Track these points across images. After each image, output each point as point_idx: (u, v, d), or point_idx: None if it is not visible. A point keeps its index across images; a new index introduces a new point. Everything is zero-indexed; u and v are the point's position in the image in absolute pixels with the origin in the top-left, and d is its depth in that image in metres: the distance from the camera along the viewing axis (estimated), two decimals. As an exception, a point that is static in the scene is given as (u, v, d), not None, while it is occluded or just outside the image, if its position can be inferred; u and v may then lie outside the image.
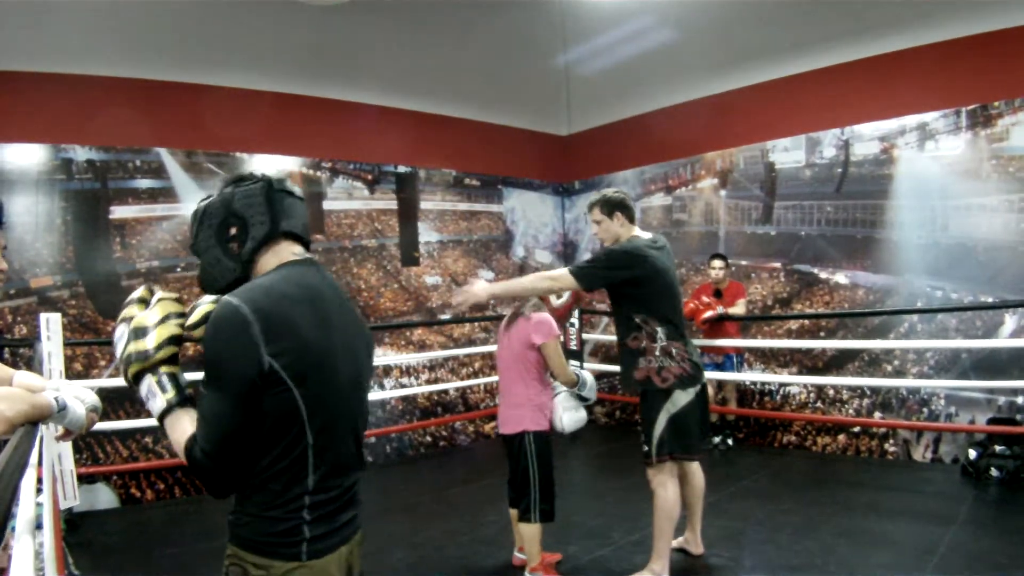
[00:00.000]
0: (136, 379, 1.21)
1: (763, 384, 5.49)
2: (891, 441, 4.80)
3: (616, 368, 3.08)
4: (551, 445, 2.94)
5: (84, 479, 4.00)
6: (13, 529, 1.45)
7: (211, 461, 1.14)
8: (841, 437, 5.04)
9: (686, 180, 6.16)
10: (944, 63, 4.58)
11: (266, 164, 5.17)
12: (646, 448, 2.87)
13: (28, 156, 4.25)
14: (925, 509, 3.72)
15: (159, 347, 1.20)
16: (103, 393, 1.48)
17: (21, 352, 3.98)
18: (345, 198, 5.64)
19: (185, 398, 1.20)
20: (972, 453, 4.14)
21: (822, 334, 5.23)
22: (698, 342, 4.61)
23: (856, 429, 4.97)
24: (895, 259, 4.86)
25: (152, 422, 1.23)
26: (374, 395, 5.40)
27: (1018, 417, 4.24)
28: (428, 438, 5.87)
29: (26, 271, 4.22)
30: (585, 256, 6.48)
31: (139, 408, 4.39)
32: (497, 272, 6.59)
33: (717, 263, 5.20)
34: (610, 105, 6.70)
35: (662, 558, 2.87)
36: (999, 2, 4.29)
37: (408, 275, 5.99)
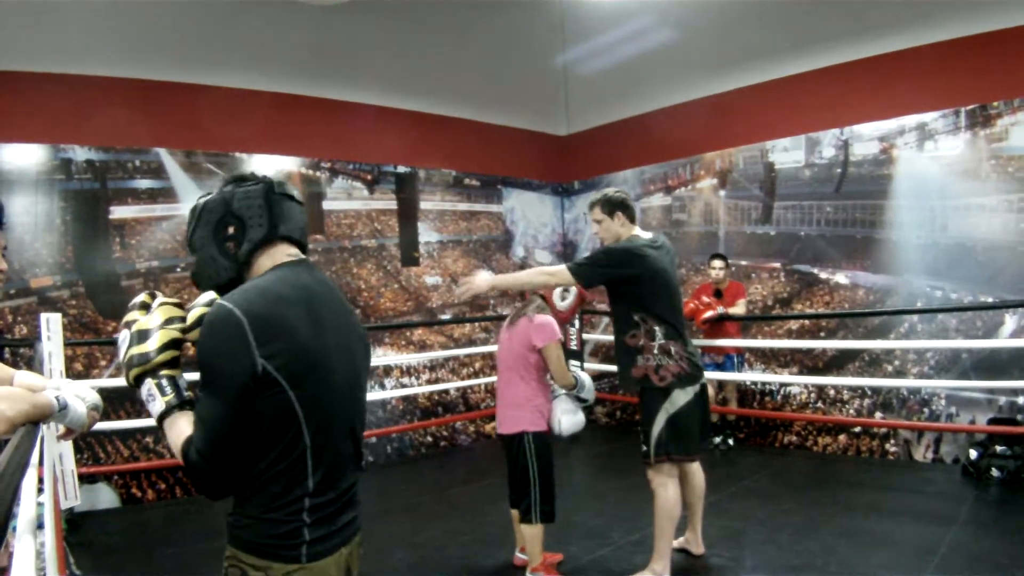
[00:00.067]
0: (137, 382, 1.22)
1: (763, 384, 5.49)
2: (892, 441, 4.80)
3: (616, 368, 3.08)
4: (551, 446, 2.94)
5: (85, 479, 4.00)
6: (14, 529, 1.45)
7: (206, 463, 1.14)
8: (842, 437, 5.04)
9: (686, 180, 6.16)
10: (943, 63, 4.58)
11: (265, 164, 5.17)
12: (644, 448, 2.87)
13: (28, 156, 4.25)
14: (926, 509, 3.72)
15: (159, 350, 1.21)
16: (104, 393, 1.48)
17: (21, 352, 3.98)
18: (345, 198, 5.64)
19: (184, 401, 1.21)
20: (973, 453, 4.14)
21: (822, 334, 5.23)
22: (698, 342, 4.62)
23: (857, 429, 4.97)
24: (895, 259, 4.87)
25: (153, 422, 1.24)
26: (374, 395, 5.40)
27: (1019, 417, 4.24)
28: (429, 438, 5.87)
29: (26, 271, 4.21)
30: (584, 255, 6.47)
31: (140, 408, 4.39)
32: (497, 272, 6.58)
33: (717, 263, 5.20)
34: (609, 105, 6.70)
35: (663, 558, 2.87)
36: (999, 2, 4.29)
37: (408, 275, 5.99)
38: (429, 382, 5.85)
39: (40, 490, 2.15)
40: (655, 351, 2.82)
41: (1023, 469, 3.90)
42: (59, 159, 4.34)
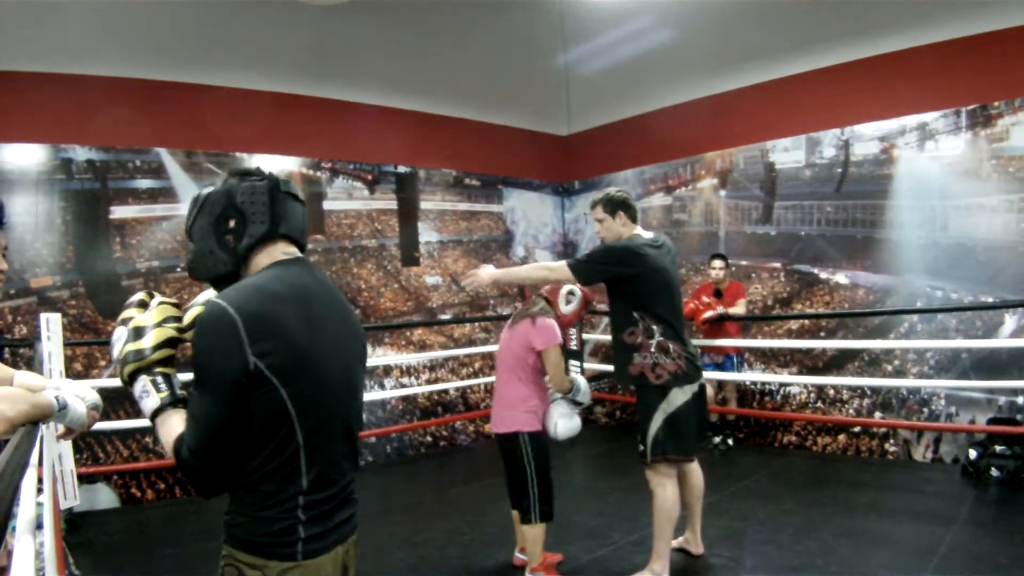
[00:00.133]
0: (131, 379, 1.23)
1: (763, 384, 5.49)
2: (891, 441, 4.80)
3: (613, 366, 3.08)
4: (547, 446, 2.94)
5: (84, 479, 4.00)
6: (14, 529, 1.45)
7: (198, 460, 1.14)
8: (841, 437, 5.04)
9: (686, 180, 6.16)
10: (944, 63, 4.58)
11: (266, 164, 5.16)
12: (641, 448, 2.87)
13: (28, 156, 4.25)
14: (926, 509, 3.72)
15: (155, 348, 1.22)
16: (103, 393, 1.49)
17: (21, 352, 3.97)
18: (345, 198, 5.64)
19: (177, 399, 1.21)
20: (972, 453, 4.14)
21: (822, 334, 5.23)
22: (698, 342, 4.62)
23: (856, 429, 4.97)
24: (895, 259, 4.86)
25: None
26: (374, 395, 5.41)
27: (1018, 417, 4.24)
28: (428, 438, 5.87)
29: (26, 271, 4.21)
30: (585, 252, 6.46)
31: (139, 408, 4.38)
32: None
33: (717, 263, 5.20)
34: (610, 105, 6.70)
35: (662, 558, 2.87)
36: (999, 2, 4.29)
37: (408, 275, 5.99)
38: (429, 382, 5.86)
39: (39, 490, 2.15)
40: (652, 349, 2.82)
41: (1023, 469, 3.90)
42: (59, 159, 4.34)
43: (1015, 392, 4.25)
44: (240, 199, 1.28)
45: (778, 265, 5.53)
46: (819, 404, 5.20)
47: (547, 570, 2.95)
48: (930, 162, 4.67)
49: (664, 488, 2.85)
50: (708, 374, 4.54)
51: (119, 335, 1.26)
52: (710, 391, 4.79)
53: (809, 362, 5.28)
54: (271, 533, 1.18)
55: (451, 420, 5.96)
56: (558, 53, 6.86)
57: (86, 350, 4.34)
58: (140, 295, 1.33)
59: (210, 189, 1.31)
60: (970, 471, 4.10)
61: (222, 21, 4.87)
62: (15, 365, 3.12)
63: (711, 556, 3.16)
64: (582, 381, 3.03)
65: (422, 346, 5.94)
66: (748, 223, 5.72)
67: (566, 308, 3.00)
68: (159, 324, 1.24)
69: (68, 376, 3.52)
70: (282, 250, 1.30)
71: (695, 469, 3.13)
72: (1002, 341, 4.34)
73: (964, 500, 3.79)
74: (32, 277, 4.24)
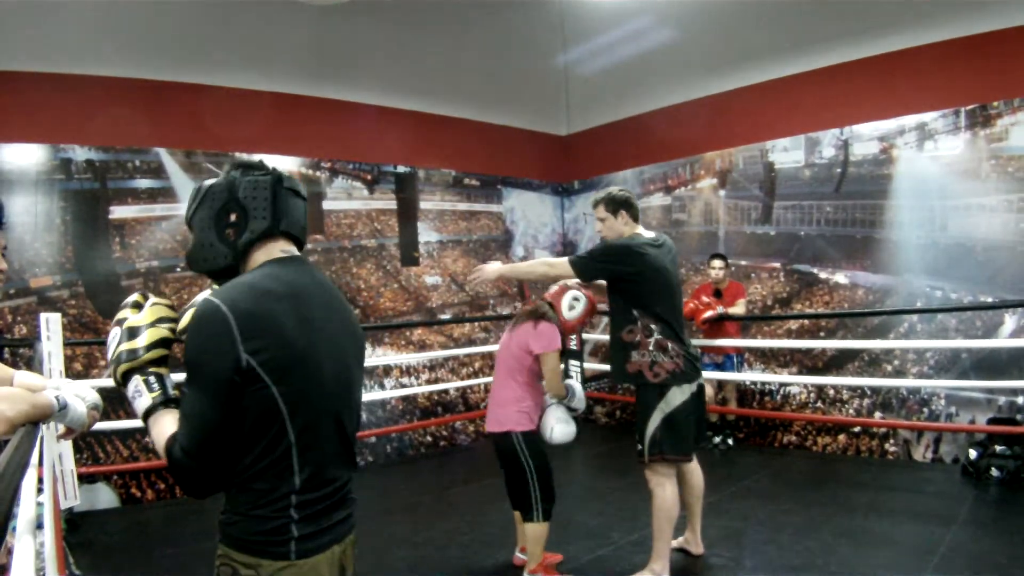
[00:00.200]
0: (124, 379, 1.23)
1: (763, 384, 5.49)
2: (891, 441, 4.80)
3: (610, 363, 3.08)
4: (543, 443, 2.93)
5: (84, 479, 4.00)
6: (14, 529, 1.45)
7: (190, 459, 1.14)
8: (841, 437, 5.04)
9: (685, 180, 6.16)
10: (943, 63, 4.58)
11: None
12: (639, 447, 2.88)
13: (28, 156, 4.25)
14: (925, 509, 3.72)
15: (148, 348, 1.22)
16: (103, 392, 1.49)
17: (21, 352, 3.97)
18: (345, 198, 5.64)
19: (170, 399, 1.21)
20: (972, 453, 4.14)
21: (822, 334, 5.24)
22: (698, 342, 4.62)
23: (856, 429, 4.97)
24: (894, 259, 4.87)
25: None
26: (374, 395, 5.41)
27: (1018, 417, 4.25)
28: (428, 438, 5.87)
29: (26, 271, 4.21)
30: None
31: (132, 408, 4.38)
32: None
33: (717, 263, 5.20)
34: (610, 105, 6.70)
35: (662, 558, 2.87)
36: (999, 2, 4.30)
37: (408, 275, 5.99)
38: (429, 382, 5.85)
39: (40, 490, 2.15)
40: (651, 347, 2.82)
41: (1023, 469, 3.91)
42: (59, 159, 4.34)
43: (1015, 392, 4.25)
44: (242, 193, 1.27)
45: (777, 265, 5.53)
46: (819, 404, 5.20)
47: (546, 571, 2.95)
48: (929, 162, 4.67)
49: (663, 488, 2.85)
50: (708, 374, 4.55)
51: (113, 335, 1.26)
52: (710, 391, 4.80)
53: (809, 362, 5.28)
54: (264, 532, 1.17)
55: (451, 420, 5.96)
56: (558, 53, 6.86)
57: (86, 350, 4.34)
58: (135, 296, 1.32)
59: (212, 181, 1.30)
60: (970, 471, 4.10)
61: (222, 21, 4.87)
62: (15, 365, 3.12)
63: (711, 556, 3.16)
64: (578, 388, 3.02)
65: (422, 346, 5.94)
66: (748, 223, 5.73)
67: (569, 314, 2.98)
68: (153, 324, 1.24)
69: (68, 376, 3.52)
70: (280, 248, 1.30)
71: (695, 469, 3.13)
72: (1002, 341, 4.34)
73: (964, 500, 3.79)
74: (32, 277, 4.24)
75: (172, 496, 4.49)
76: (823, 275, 5.27)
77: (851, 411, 5.02)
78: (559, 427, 2.91)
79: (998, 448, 4.02)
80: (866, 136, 4.99)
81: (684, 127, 6.06)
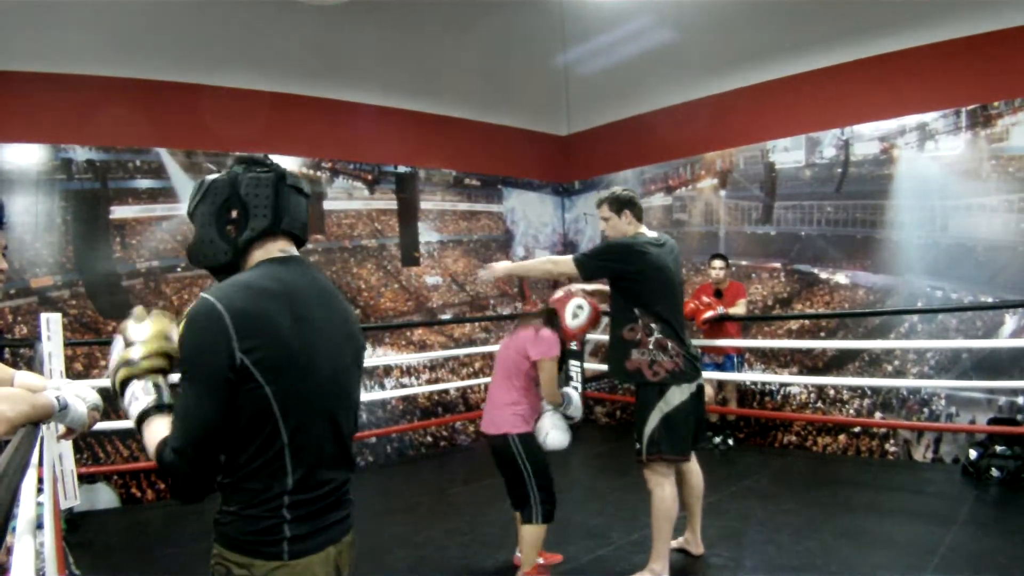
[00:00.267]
0: (123, 386, 1.24)
1: (763, 384, 5.49)
2: (892, 441, 4.80)
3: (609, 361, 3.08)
4: (539, 445, 2.90)
5: (84, 479, 4.00)
6: (14, 529, 1.45)
7: (181, 459, 1.13)
8: (842, 437, 5.04)
9: (686, 180, 6.16)
10: (944, 63, 4.58)
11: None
12: (638, 446, 2.88)
13: (28, 156, 4.25)
14: (926, 509, 3.72)
15: (147, 356, 1.23)
16: (104, 393, 1.49)
17: (21, 352, 3.97)
18: (345, 198, 5.64)
19: (164, 405, 1.21)
20: (973, 453, 4.14)
21: (822, 334, 5.23)
22: (698, 342, 4.62)
23: (857, 429, 4.97)
24: (895, 259, 4.87)
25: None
26: (374, 395, 5.41)
27: (1019, 417, 4.24)
28: (428, 438, 5.87)
29: (26, 271, 4.21)
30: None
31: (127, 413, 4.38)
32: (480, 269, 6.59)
33: (717, 263, 5.20)
34: (610, 105, 6.70)
35: (662, 558, 2.87)
36: (999, 2, 4.29)
37: (408, 275, 5.99)
38: (429, 382, 5.85)
39: (40, 490, 2.15)
40: (651, 346, 2.83)
41: (1023, 469, 3.90)
42: (59, 159, 4.34)
43: (1015, 392, 4.25)
44: (244, 190, 1.26)
45: (778, 265, 5.53)
46: (819, 404, 5.20)
47: (540, 572, 2.93)
48: (930, 162, 4.67)
49: (662, 488, 2.85)
50: (708, 374, 4.54)
51: (114, 345, 1.27)
52: (710, 391, 4.80)
53: (809, 362, 5.28)
54: (256, 532, 1.17)
55: (451, 420, 5.96)
56: (558, 53, 6.86)
57: (86, 350, 4.34)
58: (138, 309, 1.33)
59: (215, 176, 1.30)
60: (970, 471, 4.10)
61: (222, 21, 4.88)
62: (15, 365, 3.12)
63: (711, 556, 3.16)
64: (576, 396, 3.00)
65: (422, 346, 5.94)
66: (748, 223, 5.72)
67: (572, 322, 2.95)
68: (153, 335, 1.25)
69: (68, 376, 3.53)
70: (279, 247, 1.30)
71: (695, 469, 3.13)
72: (1002, 341, 4.34)
73: (964, 500, 3.79)
74: (32, 277, 4.24)
75: (172, 496, 4.49)
76: (824, 275, 5.27)
77: (851, 411, 5.02)
78: (553, 434, 2.87)
79: (998, 448, 4.02)
80: (867, 136, 4.98)
81: (684, 127, 6.06)
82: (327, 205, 5.52)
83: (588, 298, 3.01)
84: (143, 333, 1.25)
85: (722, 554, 3.19)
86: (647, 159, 6.43)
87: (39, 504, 1.95)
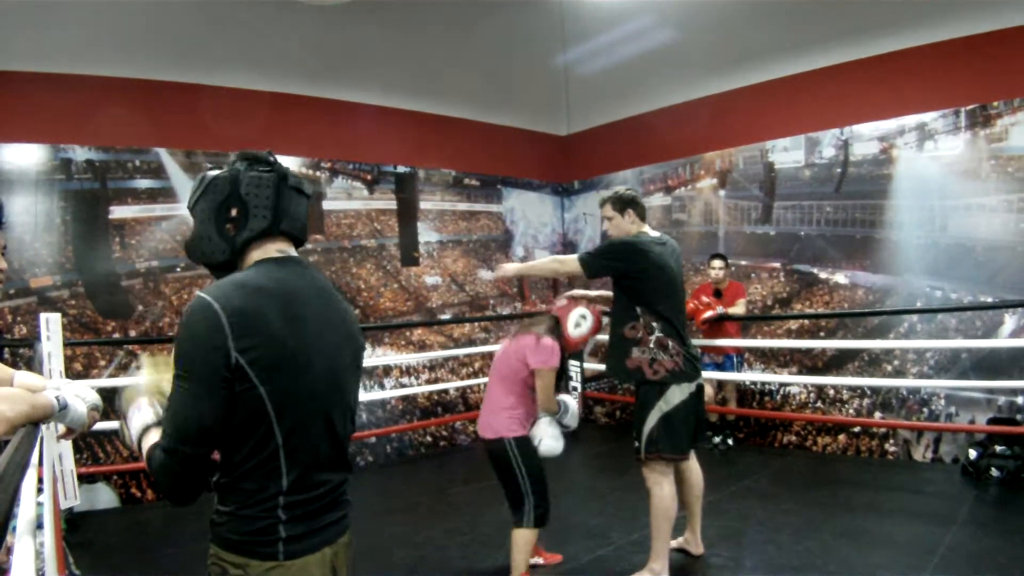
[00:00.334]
0: (127, 407, 1.30)
1: (763, 384, 5.49)
2: (891, 441, 4.80)
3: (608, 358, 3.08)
4: (534, 448, 2.86)
5: (84, 479, 4.00)
6: (14, 529, 1.45)
7: (172, 458, 1.14)
8: (841, 437, 5.04)
9: (685, 180, 6.16)
10: (944, 63, 4.58)
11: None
12: (636, 445, 2.88)
13: (28, 156, 4.25)
14: (925, 509, 3.72)
15: (151, 386, 1.31)
16: (103, 393, 1.49)
17: (21, 352, 3.97)
18: (344, 198, 5.64)
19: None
20: (972, 453, 4.14)
21: (822, 334, 5.24)
22: (698, 342, 4.61)
23: (856, 429, 4.97)
24: (894, 259, 4.87)
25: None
26: (374, 395, 5.41)
27: (1018, 417, 4.25)
28: (428, 438, 5.87)
29: (26, 271, 4.21)
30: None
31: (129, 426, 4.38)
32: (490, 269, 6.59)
33: (717, 263, 5.20)
34: (609, 105, 6.70)
35: (661, 557, 2.87)
36: (999, 2, 4.30)
37: (408, 275, 5.99)
38: (429, 382, 5.85)
39: (40, 490, 2.15)
40: (651, 345, 2.84)
41: (1023, 469, 3.91)
42: (59, 159, 4.34)
43: (1015, 392, 4.25)
44: (244, 190, 1.26)
45: (777, 265, 5.53)
46: (819, 404, 5.20)
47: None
48: (929, 162, 4.67)
49: (660, 487, 2.86)
50: (708, 374, 4.55)
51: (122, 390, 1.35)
52: (710, 391, 4.80)
53: (809, 362, 5.28)
54: (252, 532, 1.17)
55: (451, 420, 5.96)
56: (558, 53, 6.87)
57: (86, 350, 4.34)
58: (144, 356, 1.39)
59: (216, 172, 1.29)
60: (970, 471, 4.10)
61: (222, 21, 4.87)
62: (15, 365, 3.12)
63: (711, 556, 3.16)
64: (572, 405, 2.97)
65: (422, 346, 5.94)
66: (747, 223, 5.73)
67: (575, 331, 2.92)
68: (157, 374, 1.33)
69: (68, 376, 3.53)
70: (277, 248, 1.29)
71: (695, 468, 3.13)
72: (1002, 341, 4.34)
73: (964, 500, 3.79)
74: (32, 277, 4.24)
75: (165, 498, 4.48)
76: (823, 275, 5.27)
77: (851, 411, 5.02)
78: (547, 441, 2.83)
79: (998, 448, 4.02)
80: (866, 136, 4.99)
81: (684, 127, 6.06)
82: (326, 205, 5.52)
83: (591, 307, 2.99)
84: (146, 371, 1.32)
85: (722, 554, 3.19)
86: (647, 159, 6.43)
87: (39, 504, 1.95)
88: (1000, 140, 4.37)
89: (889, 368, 4.84)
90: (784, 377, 5.37)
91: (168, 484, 1.18)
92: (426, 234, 6.14)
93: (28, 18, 4.12)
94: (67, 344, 3.59)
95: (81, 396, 1.39)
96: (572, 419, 2.96)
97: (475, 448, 5.94)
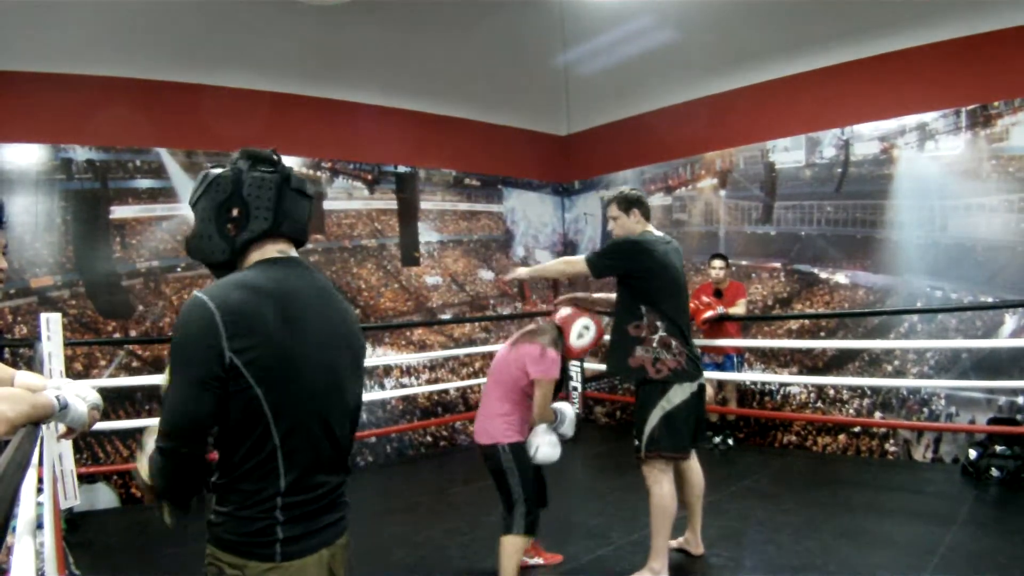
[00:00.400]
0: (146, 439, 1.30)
1: (763, 384, 5.49)
2: (891, 441, 4.80)
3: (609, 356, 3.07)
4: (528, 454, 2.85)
5: (84, 479, 4.00)
6: (14, 529, 1.45)
7: (163, 455, 1.14)
8: (841, 437, 5.04)
9: (686, 180, 6.16)
10: (944, 63, 4.58)
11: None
12: (637, 443, 2.88)
13: (28, 156, 4.25)
14: (925, 509, 3.72)
15: None
16: (103, 392, 1.49)
17: (21, 352, 3.97)
18: (345, 198, 5.64)
19: None
20: (972, 453, 4.14)
21: (822, 334, 5.23)
22: (698, 342, 4.61)
23: (856, 429, 4.97)
24: (895, 259, 4.87)
25: (153, 421, 1.25)
26: (374, 395, 5.41)
27: (1018, 417, 4.25)
28: (428, 438, 5.87)
29: (26, 271, 4.21)
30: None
31: (139, 408, 4.39)
32: (497, 272, 6.59)
33: (717, 263, 5.20)
34: (610, 105, 6.70)
35: (661, 556, 2.87)
36: (999, 2, 4.29)
37: (408, 275, 5.99)
38: (429, 382, 5.85)
39: (40, 490, 2.15)
40: (655, 344, 2.84)
41: (1023, 469, 3.91)
42: (59, 159, 4.34)
43: (1015, 392, 4.25)
44: (246, 190, 1.25)
45: (778, 265, 5.53)
46: (819, 404, 5.20)
47: None
48: (930, 162, 4.67)
49: (660, 485, 2.86)
50: (708, 374, 4.54)
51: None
52: (710, 391, 4.80)
53: (809, 362, 5.28)
54: (249, 533, 1.17)
55: (451, 420, 5.96)
56: (558, 53, 6.86)
57: (86, 350, 4.34)
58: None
59: (218, 170, 1.28)
60: (970, 471, 4.10)
61: (222, 21, 4.87)
62: (15, 365, 3.12)
63: (711, 556, 3.16)
64: (570, 414, 2.94)
65: (422, 346, 5.94)
66: (748, 223, 5.73)
67: (577, 342, 2.91)
68: None
69: (68, 376, 3.53)
70: (277, 248, 1.29)
71: (695, 468, 3.13)
72: (1002, 341, 4.34)
73: (964, 500, 3.79)
74: (32, 277, 4.24)
75: (161, 498, 4.48)
76: (823, 275, 5.27)
77: (851, 411, 5.02)
78: (544, 448, 2.80)
79: (998, 448, 4.02)
80: (867, 136, 4.98)
81: (684, 127, 6.06)
82: (327, 205, 5.52)
83: (594, 318, 2.98)
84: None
85: (722, 554, 3.19)
86: (647, 159, 6.43)
87: (39, 504, 1.95)
88: (1000, 140, 4.37)
89: (889, 368, 4.84)
90: (784, 377, 5.37)
91: (163, 483, 1.18)
92: (426, 234, 6.14)
93: (28, 18, 4.12)
94: (67, 344, 3.59)
95: (82, 395, 1.39)
96: (569, 428, 2.94)
97: (475, 448, 5.93)
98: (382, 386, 5.62)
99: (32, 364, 3.21)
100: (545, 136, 7.15)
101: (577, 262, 3.04)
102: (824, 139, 5.22)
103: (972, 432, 4.34)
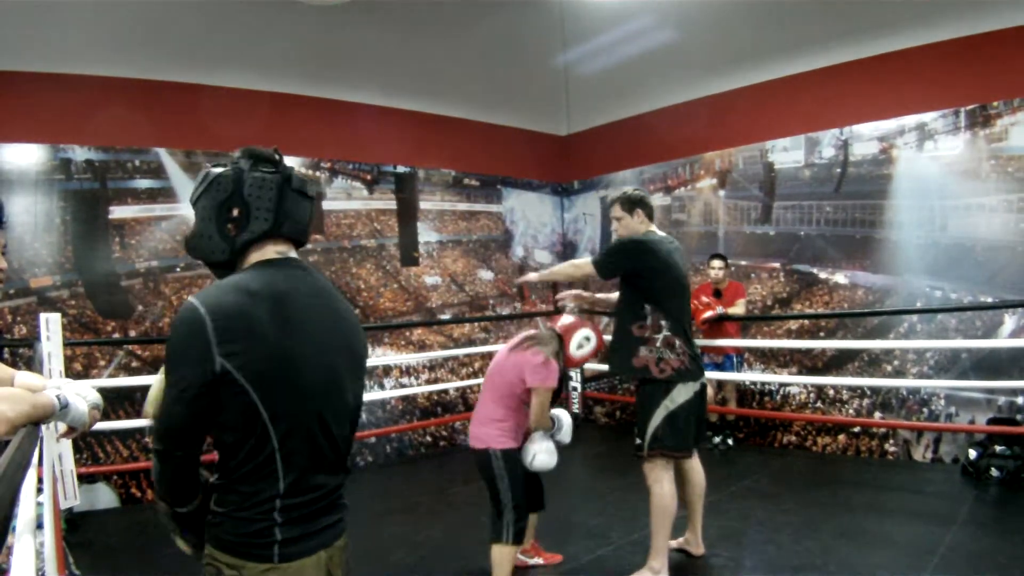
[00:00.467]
0: None
1: (763, 384, 5.49)
2: (891, 441, 4.80)
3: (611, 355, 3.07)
4: (520, 462, 2.82)
5: (84, 479, 4.00)
6: (14, 529, 1.45)
7: (158, 457, 1.15)
8: (841, 437, 5.04)
9: (685, 180, 6.16)
10: (943, 63, 4.58)
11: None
12: (638, 441, 2.88)
13: (27, 156, 4.24)
14: (925, 509, 3.72)
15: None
16: (104, 392, 1.49)
17: (21, 352, 3.97)
18: (344, 198, 5.64)
19: None
20: (972, 453, 4.14)
21: (822, 334, 5.24)
22: (698, 342, 4.61)
23: (856, 429, 4.97)
24: (894, 259, 4.87)
25: (148, 421, 1.26)
26: (374, 395, 5.40)
27: (1018, 417, 4.25)
28: (428, 438, 5.87)
29: (26, 271, 4.21)
30: (585, 255, 6.48)
31: (139, 408, 4.38)
32: (496, 272, 6.59)
33: (716, 263, 5.21)
34: (609, 105, 6.70)
35: (661, 555, 2.87)
36: (999, 2, 4.30)
37: (408, 275, 5.99)
38: (428, 382, 5.85)
39: (40, 490, 2.15)
40: (659, 344, 2.85)
41: (1022, 469, 3.91)
42: (59, 159, 4.34)
43: (1015, 392, 4.25)
44: (247, 191, 1.24)
45: (777, 265, 5.53)
46: (819, 404, 5.20)
47: None
48: (929, 162, 4.67)
49: (661, 484, 2.86)
50: (708, 374, 4.54)
51: None
52: (710, 391, 4.79)
53: (809, 362, 5.28)
54: (248, 534, 1.17)
55: (451, 420, 5.96)
56: (558, 53, 6.86)
57: (86, 350, 4.34)
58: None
59: (219, 169, 1.27)
60: (970, 471, 4.10)
61: (222, 21, 4.87)
62: (15, 365, 3.12)
63: (711, 556, 3.16)
64: (567, 420, 2.93)
65: (421, 346, 5.93)
66: (747, 223, 5.73)
67: (577, 352, 2.88)
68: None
69: (68, 376, 3.52)
70: (276, 249, 1.28)
71: (696, 467, 3.13)
72: (1002, 341, 4.34)
73: (964, 500, 3.79)
74: (32, 277, 4.23)
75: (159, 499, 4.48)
76: (823, 275, 5.27)
77: (851, 411, 5.02)
78: (541, 456, 2.80)
79: (998, 448, 4.02)
80: (866, 136, 4.99)
81: (684, 127, 6.06)
82: (326, 205, 5.52)
83: (595, 327, 2.96)
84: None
85: (722, 554, 3.19)
86: (646, 159, 6.43)
87: (39, 504, 1.95)
88: (1000, 140, 4.37)
89: (889, 368, 4.84)
90: (784, 377, 5.37)
91: (160, 485, 1.19)
92: (426, 234, 6.14)
93: (28, 18, 4.12)
94: (67, 344, 3.59)
95: (82, 395, 1.39)
96: (566, 435, 2.92)
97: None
98: (382, 386, 5.62)
99: (32, 364, 3.20)
100: (545, 136, 7.15)
101: (585, 265, 3.06)
102: (823, 139, 5.22)
103: (972, 432, 4.34)
